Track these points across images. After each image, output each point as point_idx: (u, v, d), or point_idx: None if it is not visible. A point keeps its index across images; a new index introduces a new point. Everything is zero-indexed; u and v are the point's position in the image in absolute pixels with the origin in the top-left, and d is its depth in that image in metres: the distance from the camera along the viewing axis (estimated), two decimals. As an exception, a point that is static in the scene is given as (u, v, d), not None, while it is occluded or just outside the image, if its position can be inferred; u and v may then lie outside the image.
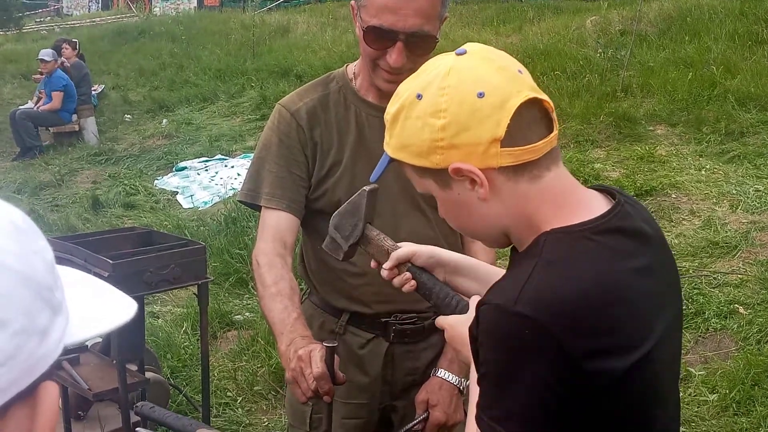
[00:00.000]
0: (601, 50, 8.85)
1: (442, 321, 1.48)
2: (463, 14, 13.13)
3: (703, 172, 6.21)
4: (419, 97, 1.19)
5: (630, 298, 1.16)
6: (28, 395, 0.61)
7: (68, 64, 11.26)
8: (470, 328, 1.18)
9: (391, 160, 1.29)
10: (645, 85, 7.94)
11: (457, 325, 1.41)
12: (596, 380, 1.11)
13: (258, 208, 2.12)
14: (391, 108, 1.25)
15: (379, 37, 1.86)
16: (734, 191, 5.77)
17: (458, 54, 1.21)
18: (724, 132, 6.77)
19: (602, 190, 1.29)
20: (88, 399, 3.03)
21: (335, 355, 1.76)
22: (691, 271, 4.77)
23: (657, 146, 6.83)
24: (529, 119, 1.17)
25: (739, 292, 4.52)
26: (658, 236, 1.30)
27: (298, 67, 11.59)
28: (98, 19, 22.22)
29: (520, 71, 1.21)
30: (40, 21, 24.53)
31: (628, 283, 1.17)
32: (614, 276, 1.15)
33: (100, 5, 27.73)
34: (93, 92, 11.90)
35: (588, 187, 1.30)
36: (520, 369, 1.10)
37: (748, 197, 5.63)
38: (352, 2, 1.95)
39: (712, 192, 5.82)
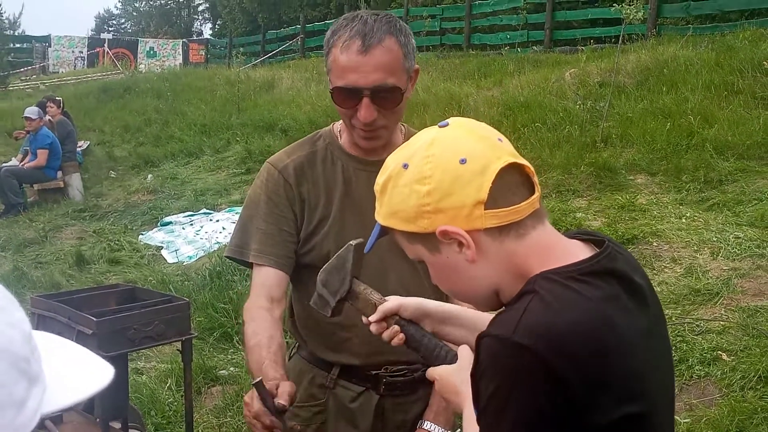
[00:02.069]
0: (580, 102, 8.97)
1: (432, 372, 1.49)
2: (444, 68, 13.33)
3: (684, 220, 6.27)
4: (405, 166, 1.26)
5: (622, 341, 1.18)
6: None
7: (54, 121, 11.31)
8: (472, 367, 1.21)
9: (383, 230, 1.34)
10: (624, 136, 8.05)
11: (448, 376, 1.43)
12: (593, 416, 1.13)
13: (246, 264, 2.15)
14: (380, 179, 1.31)
15: (346, 97, 1.94)
16: (715, 238, 5.82)
17: (441, 126, 1.29)
18: (703, 180, 6.85)
19: (589, 238, 1.33)
20: (70, 458, 2.99)
21: (265, 388, 1.77)
22: (674, 319, 4.79)
23: (637, 195, 6.91)
24: (511, 182, 1.24)
25: (721, 338, 4.53)
26: (647, 285, 1.33)
27: (282, 122, 11.71)
28: (84, 76, 22.38)
29: (500, 139, 1.28)
30: (26, 79, 24.66)
31: (621, 324, 1.19)
32: (606, 314, 1.19)
33: (85, 63, 27.97)
34: (78, 149, 11.95)
35: (574, 233, 1.35)
36: (517, 398, 1.13)
37: (728, 244, 5.68)
38: (324, 66, 2.02)
39: (693, 240, 5.87)
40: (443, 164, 1.22)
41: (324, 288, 1.69)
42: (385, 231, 1.36)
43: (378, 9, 13.29)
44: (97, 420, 2.95)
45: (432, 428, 2.07)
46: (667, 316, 4.71)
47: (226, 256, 2.26)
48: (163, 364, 5.16)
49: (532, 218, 1.25)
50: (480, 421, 1.19)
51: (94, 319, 2.85)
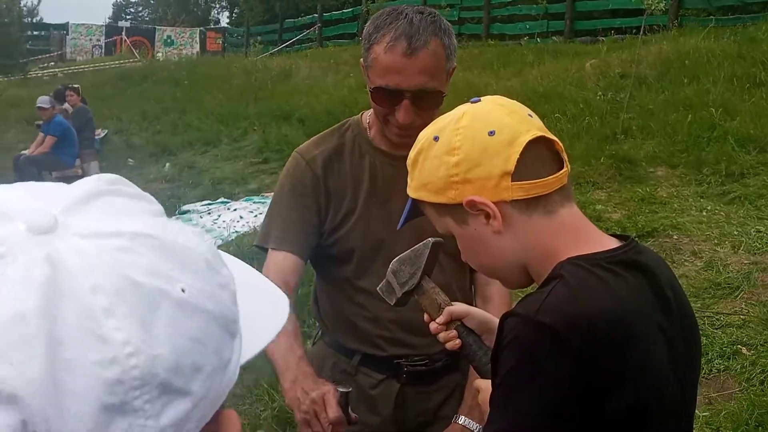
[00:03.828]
0: (600, 93, 8.92)
1: (479, 383, 1.51)
2: (463, 58, 13.27)
3: (705, 214, 6.22)
4: (436, 139, 1.28)
5: (641, 334, 1.18)
6: (211, 425, 0.61)
7: (70, 110, 11.37)
8: (494, 345, 1.21)
9: (414, 207, 1.36)
10: (645, 127, 7.99)
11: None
12: (606, 402, 1.12)
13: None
14: (412, 153, 1.34)
15: (386, 97, 1.92)
16: (736, 232, 5.77)
17: (472, 102, 1.31)
18: (724, 173, 6.79)
19: (614, 236, 1.33)
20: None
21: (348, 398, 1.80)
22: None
23: (658, 188, 6.86)
24: (539, 156, 1.24)
25: (741, 332, 4.50)
26: (672, 281, 1.32)
27: (300, 111, 11.71)
28: (101, 64, 22.47)
29: (530, 115, 1.29)
30: (44, 66, 24.80)
31: (640, 319, 1.19)
32: (630, 306, 1.19)
33: (103, 51, 28.10)
34: (96, 137, 12.02)
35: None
36: (535, 376, 1.13)
37: (749, 238, 5.63)
38: (361, 60, 1.99)
39: (713, 233, 5.83)
40: (472, 136, 1.24)
41: (394, 277, 1.69)
42: (417, 209, 1.37)
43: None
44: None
45: (467, 423, 2.06)
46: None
47: (254, 245, 2.29)
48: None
49: (560, 195, 1.26)
50: (494, 396, 1.19)
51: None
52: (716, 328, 4.60)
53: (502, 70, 12.06)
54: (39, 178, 10.64)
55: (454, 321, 1.59)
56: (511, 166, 1.21)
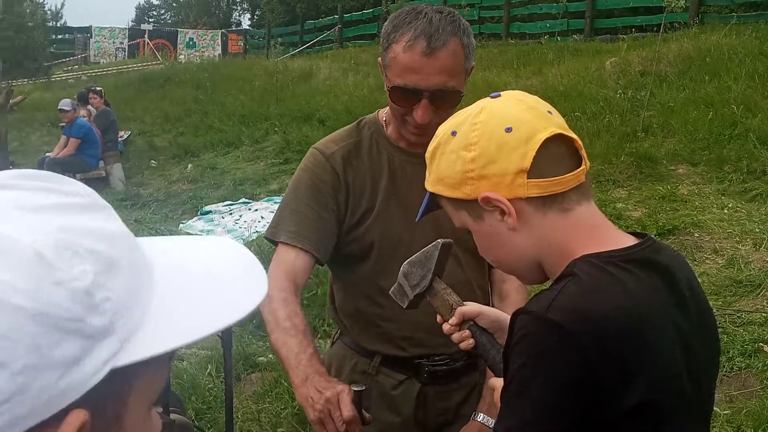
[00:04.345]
0: (621, 91, 8.88)
1: (494, 382, 1.50)
2: (483, 57, 13.23)
3: (726, 211, 6.18)
4: (454, 133, 1.29)
5: (654, 334, 1.17)
6: (56, 423, 0.60)
7: (94, 112, 11.47)
8: (505, 343, 1.21)
9: (432, 200, 1.37)
10: (665, 125, 7.94)
11: None
12: (616, 403, 1.12)
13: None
14: (431, 146, 1.34)
15: (404, 96, 1.91)
16: (757, 230, 5.73)
17: (492, 97, 1.30)
18: (746, 171, 6.74)
19: (633, 234, 1.32)
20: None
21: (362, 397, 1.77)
22: (715, 310, 4.70)
23: (679, 185, 6.82)
24: (556, 153, 1.24)
25: (763, 330, 4.47)
26: (691, 280, 1.30)
27: (320, 112, 11.74)
28: (124, 66, 22.67)
29: (550, 112, 1.28)
30: (68, 69, 25.05)
31: (655, 319, 1.18)
32: (643, 305, 1.18)
33: (126, 54, 28.31)
34: (119, 139, 12.12)
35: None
36: (544, 374, 1.13)
37: (771, 236, 5.60)
38: (380, 59, 1.99)
39: (735, 231, 5.79)
40: (489, 132, 1.23)
41: (405, 279, 1.68)
42: (434, 202, 1.37)
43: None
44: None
45: (485, 420, 2.05)
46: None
47: (264, 237, 2.23)
48: (203, 351, 5.22)
49: (577, 193, 1.25)
50: (504, 393, 1.19)
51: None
52: (737, 326, 4.58)
53: (522, 69, 12.03)
54: (64, 180, 10.77)
55: (466, 321, 1.58)
56: (527, 163, 1.20)
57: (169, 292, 0.69)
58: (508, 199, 1.23)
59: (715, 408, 3.93)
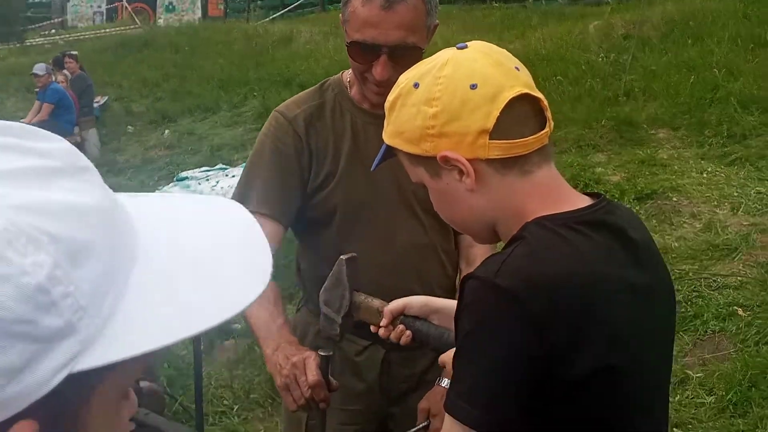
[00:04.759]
0: (603, 55, 8.82)
1: (444, 358, 1.48)
2: (466, 21, 13.12)
3: (705, 175, 6.17)
4: (416, 85, 1.22)
5: (607, 295, 1.14)
6: None
7: (68, 77, 11.31)
8: (456, 309, 1.18)
9: (389, 150, 1.31)
10: (647, 89, 7.91)
11: None
12: (568, 368, 1.09)
13: None
14: (390, 96, 1.28)
15: (362, 52, 1.86)
16: (735, 194, 5.73)
17: (459, 48, 1.24)
18: (726, 135, 6.73)
19: (590, 195, 1.29)
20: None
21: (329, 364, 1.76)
22: (690, 274, 4.73)
23: (659, 150, 6.80)
24: (521, 114, 1.18)
25: (738, 294, 4.48)
26: (646, 241, 1.28)
27: (300, 77, 11.60)
28: (102, 31, 22.32)
29: (517, 68, 1.22)
30: (45, 34, 24.65)
31: (607, 279, 1.15)
32: (595, 267, 1.15)
33: (104, 17, 27.87)
34: (96, 104, 11.95)
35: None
36: (491, 340, 1.10)
37: (749, 200, 5.59)
38: (340, 15, 1.94)
39: (713, 195, 5.78)
40: (453, 87, 1.18)
41: (327, 308, 1.69)
42: (391, 152, 1.32)
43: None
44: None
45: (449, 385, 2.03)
46: (684, 272, 4.72)
47: None
48: (176, 317, 5.16)
49: (539, 156, 1.20)
50: (454, 360, 1.16)
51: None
52: (713, 290, 4.58)
53: (505, 32, 11.90)
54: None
55: (397, 318, 1.58)
56: (490, 123, 1.15)
57: (153, 279, 0.59)
58: (468, 160, 1.18)
59: (687, 371, 3.94)
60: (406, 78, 1.26)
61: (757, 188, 5.73)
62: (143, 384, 3.39)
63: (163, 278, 0.60)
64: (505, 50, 1.26)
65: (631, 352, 1.16)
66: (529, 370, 1.08)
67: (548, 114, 1.22)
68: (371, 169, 1.51)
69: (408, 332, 1.56)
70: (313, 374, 1.72)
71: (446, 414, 1.15)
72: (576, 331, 1.09)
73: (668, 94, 7.64)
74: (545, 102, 1.22)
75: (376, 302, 1.61)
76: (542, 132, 1.20)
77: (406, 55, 1.82)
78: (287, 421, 2.26)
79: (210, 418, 4.03)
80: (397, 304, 1.58)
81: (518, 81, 1.19)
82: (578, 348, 1.09)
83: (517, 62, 1.24)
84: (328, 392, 1.74)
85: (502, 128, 1.16)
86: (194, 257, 0.63)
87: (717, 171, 6.21)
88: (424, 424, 2.00)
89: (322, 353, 1.75)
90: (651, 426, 1.26)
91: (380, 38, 1.81)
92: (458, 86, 1.17)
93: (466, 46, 1.24)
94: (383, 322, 1.58)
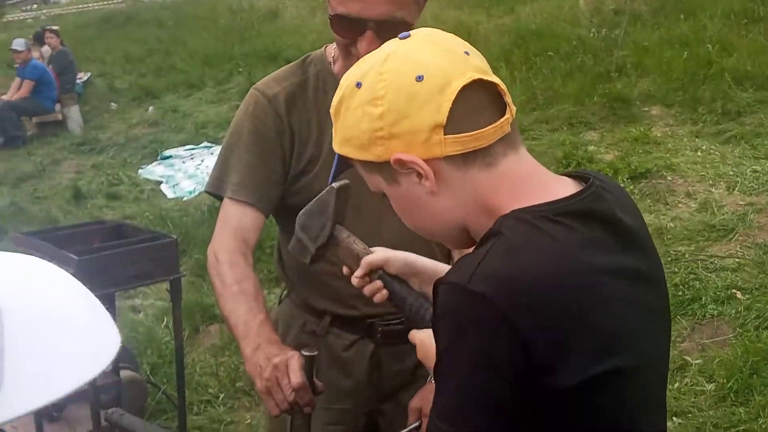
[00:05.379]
0: (594, 30, 8.68)
1: (414, 335, 1.35)
2: (455, -5, 12.95)
3: (699, 153, 6.08)
4: (358, 85, 1.11)
5: (599, 293, 1.04)
6: None
7: (49, 53, 11.10)
8: (431, 317, 1.08)
9: (342, 159, 1.18)
10: (639, 65, 7.80)
11: (430, 340, 1.27)
12: (558, 376, 0.98)
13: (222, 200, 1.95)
14: (334, 101, 1.15)
15: (346, 26, 1.72)
16: (731, 172, 5.64)
17: (401, 38, 1.13)
18: (720, 112, 6.64)
19: (577, 176, 1.17)
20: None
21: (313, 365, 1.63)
22: (687, 256, 4.63)
23: (652, 127, 6.70)
24: (476, 103, 1.07)
25: (736, 276, 4.39)
26: (639, 226, 1.17)
27: (287, 52, 11.39)
28: (85, 5, 21.95)
29: (467, 52, 1.10)
30: (26, 9, 24.23)
31: (598, 275, 1.05)
32: (580, 263, 1.03)
33: (87, -8, 27.44)
34: (78, 80, 11.73)
35: (562, 174, 1.17)
36: (471, 355, 0.99)
37: (745, 178, 5.50)
38: None
39: (708, 173, 5.69)
40: (397, 82, 1.07)
41: (303, 233, 1.53)
42: (346, 162, 1.19)
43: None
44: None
45: None
46: (680, 253, 4.62)
47: (205, 191, 2.06)
48: (161, 302, 5.03)
49: (502, 144, 1.09)
50: (435, 370, 1.05)
51: (76, 257, 2.75)
52: (710, 272, 4.49)
53: (494, 7, 11.72)
54: (19, 123, 10.42)
55: (375, 271, 1.44)
56: (442, 117, 1.05)
57: (18, 348, 0.58)
58: (425, 160, 1.07)
59: (686, 357, 3.85)
60: (347, 79, 1.15)
61: (753, 167, 5.64)
62: (124, 374, 3.27)
63: (27, 347, 0.60)
64: (452, 35, 1.15)
65: (629, 350, 1.06)
66: (515, 384, 0.98)
67: (508, 99, 1.10)
68: (328, 181, 1.40)
69: (385, 291, 1.43)
70: (296, 377, 1.59)
71: None
72: (562, 337, 0.99)
73: (661, 70, 7.54)
74: (503, 86, 1.10)
75: (359, 246, 1.47)
76: (502, 119, 1.08)
77: (394, 31, 1.68)
78: (270, 422, 2.13)
79: (194, 407, 3.92)
80: (376, 257, 1.44)
81: (469, 67, 1.08)
82: (569, 355, 0.99)
83: (467, 46, 1.13)
84: (313, 395, 1.62)
85: (456, 121, 1.06)
86: (52, 318, 0.65)
87: (712, 149, 6.12)
88: (415, 424, 1.89)
89: (306, 353, 1.63)
90: (657, 420, 1.19)
91: (365, 12, 1.67)
92: (403, 80, 1.07)
93: (409, 35, 1.13)
94: (358, 273, 1.44)
